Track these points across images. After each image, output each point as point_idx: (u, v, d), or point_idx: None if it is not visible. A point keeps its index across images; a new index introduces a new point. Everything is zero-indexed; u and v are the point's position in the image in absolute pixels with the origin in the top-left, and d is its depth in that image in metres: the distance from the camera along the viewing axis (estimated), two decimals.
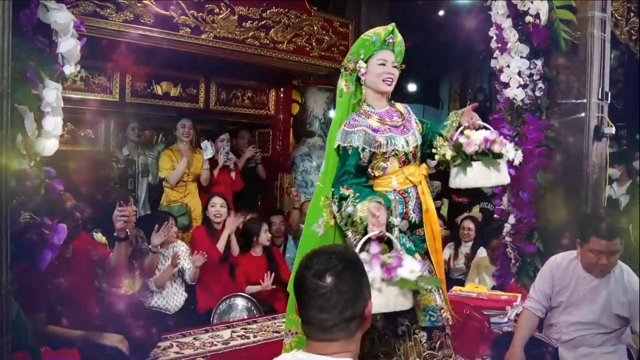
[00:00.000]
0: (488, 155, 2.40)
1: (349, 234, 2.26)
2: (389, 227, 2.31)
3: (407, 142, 2.45)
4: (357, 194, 2.25)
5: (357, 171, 2.37)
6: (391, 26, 2.49)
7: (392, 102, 2.60)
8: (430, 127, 2.64)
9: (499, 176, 2.45)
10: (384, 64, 2.45)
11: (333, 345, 1.34)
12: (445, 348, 2.46)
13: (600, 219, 2.80)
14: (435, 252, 2.48)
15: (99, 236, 3.87)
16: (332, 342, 1.34)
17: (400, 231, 2.40)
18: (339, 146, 2.41)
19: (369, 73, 2.48)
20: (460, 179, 2.46)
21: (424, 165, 2.56)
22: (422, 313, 2.41)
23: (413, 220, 2.45)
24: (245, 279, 4.38)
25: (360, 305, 1.36)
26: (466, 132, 2.46)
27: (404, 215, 2.43)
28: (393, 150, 2.41)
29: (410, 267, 2.07)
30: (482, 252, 4.83)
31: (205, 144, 5.04)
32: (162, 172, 5.01)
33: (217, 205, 4.52)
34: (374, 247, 2.10)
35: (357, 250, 2.04)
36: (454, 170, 2.48)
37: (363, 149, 2.36)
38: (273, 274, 4.31)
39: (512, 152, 2.44)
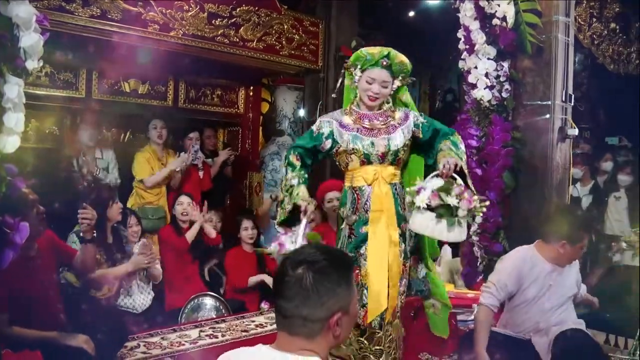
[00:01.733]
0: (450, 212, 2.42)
1: (284, 197, 2.68)
2: (339, 217, 2.79)
3: (372, 144, 2.66)
4: (303, 173, 2.69)
5: (310, 151, 2.75)
6: (387, 50, 2.67)
7: (393, 108, 2.79)
8: (435, 138, 2.78)
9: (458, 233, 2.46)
10: (370, 83, 2.64)
11: (295, 340, 1.33)
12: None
13: (587, 216, 3.00)
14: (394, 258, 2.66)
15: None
16: (292, 336, 1.34)
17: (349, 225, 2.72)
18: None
19: (359, 83, 2.69)
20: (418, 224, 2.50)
21: (391, 168, 2.71)
22: None
23: (362, 217, 2.68)
24: (232, 272, 4.37)
25: (321, 311, 1.33)
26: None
27: (355, 210, 2.69)
28: (352, 149, 2.65)
29: None
30: (447, 251, 4.88)
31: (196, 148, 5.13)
32: (139, 174, 4.91)
33: (185, 203, 4.50)
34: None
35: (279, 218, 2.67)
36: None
37: (327, 137, 2.69)
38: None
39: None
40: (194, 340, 3.53)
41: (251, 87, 6.53)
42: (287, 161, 2.74)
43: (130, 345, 3.36)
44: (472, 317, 3.76)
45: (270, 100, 6.99)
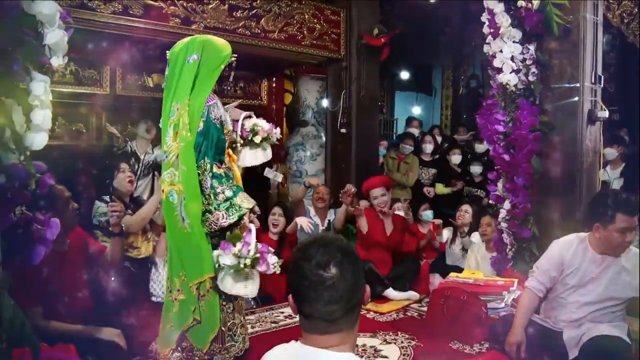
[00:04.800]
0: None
1: (221, 212, 2.64)
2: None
3: None
4: (232, 181, 2.71)
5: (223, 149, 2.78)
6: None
7: None
8: None
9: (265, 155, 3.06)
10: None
11: (334, 337, 1.31)
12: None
13: (622, 195, 2.78)
14: None
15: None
16: (334, 334, 1.31)
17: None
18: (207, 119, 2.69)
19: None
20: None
21: None
22: None
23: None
24: None
25: (361, 292, 1.34)
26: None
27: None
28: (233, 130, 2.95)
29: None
30: (476, 238, 4.82)
31: None
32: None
33: None
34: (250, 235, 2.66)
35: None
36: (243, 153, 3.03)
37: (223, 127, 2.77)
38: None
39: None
40: None
41: (274, 78, 6.53)
42: (211, 173, 2.66)
43: None
44: (503, 304, 3.73)
45: (293, 91, 6.98)
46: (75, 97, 5.13)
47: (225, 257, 2.61)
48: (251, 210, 2.73)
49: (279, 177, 5.03)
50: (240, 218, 2.67)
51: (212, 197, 2.65)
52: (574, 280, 2.89)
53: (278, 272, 2.71)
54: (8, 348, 2.00)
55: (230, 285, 2.65)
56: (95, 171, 4.58)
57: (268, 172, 4.96)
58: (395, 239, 4.68)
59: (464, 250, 4.98)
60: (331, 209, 5.24)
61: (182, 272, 2.75)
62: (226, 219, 2.64)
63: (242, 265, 2.59)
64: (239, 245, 2.61)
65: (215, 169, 2.66)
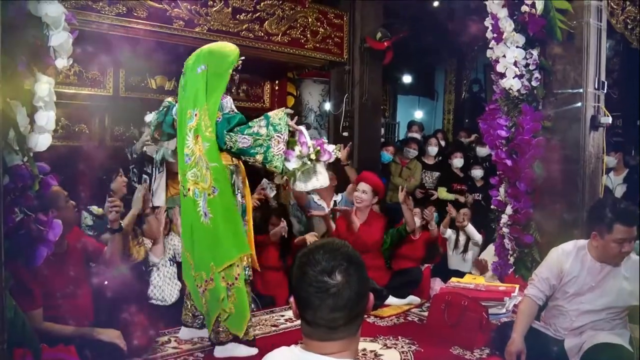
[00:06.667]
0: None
1: (274, 137, 2.91)
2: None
3: None
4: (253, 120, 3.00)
5: None
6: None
7: None
8: None
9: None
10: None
11: (336, 344, 1.30)
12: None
13: (621, 205, 2.74)
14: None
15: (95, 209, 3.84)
16: (335, 341, 1.29)
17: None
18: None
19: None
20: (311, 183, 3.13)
21: None
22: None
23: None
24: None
25: (365, 300, 1.31)
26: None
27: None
28: None
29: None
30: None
31: None
32: None
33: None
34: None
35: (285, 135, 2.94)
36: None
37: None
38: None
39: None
40: None
41: (276, 81, 6.52)
42: (238, 134, 2.95)
43: (161, 340, 3.39)
44: (504, 310, 3.72)
45: (295, 94, 6.97)
46: (78, 98, 5.13)
47: (291, 162, 2.95)
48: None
49: (273, 192, 5.01)
50: (287, 124, 2.96)
51: (259, 137, 2.91)
52: (573, 288, 2.88)
53: (339, 156, 3.15)
54: (9, 348, 2.01)
55: (304, 185, 3.07)
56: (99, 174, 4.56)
57: (264, 183, 4.97)
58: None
59: (465, 251, 4.99)
60: (337, 193, 5.21)
61: (211, 263, 3.03)
62: (282, 135, 2.92)
63: (308, 162, 2.96)
64: (297, 148, 2.95)
65: (235, 130, 2.93)
